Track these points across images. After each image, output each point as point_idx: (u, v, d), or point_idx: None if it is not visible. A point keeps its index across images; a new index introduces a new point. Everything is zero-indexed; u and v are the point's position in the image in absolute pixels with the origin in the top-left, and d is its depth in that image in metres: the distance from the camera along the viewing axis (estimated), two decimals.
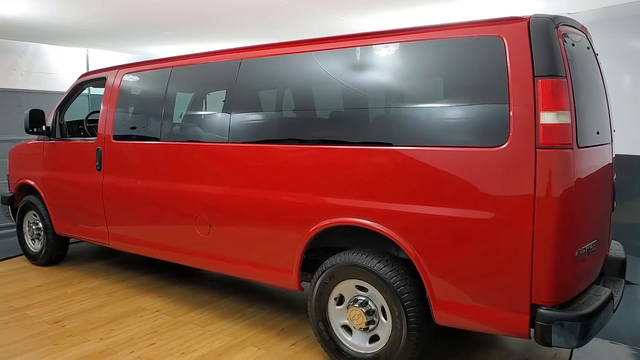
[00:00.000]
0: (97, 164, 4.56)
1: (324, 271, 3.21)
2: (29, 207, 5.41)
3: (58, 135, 5.09)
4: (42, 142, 5.18)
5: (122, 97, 4.50)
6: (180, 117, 4.12)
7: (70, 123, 5.31)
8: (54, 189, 5.05)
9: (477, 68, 2.75)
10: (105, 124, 4.53)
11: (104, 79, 4.72)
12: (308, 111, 3.39)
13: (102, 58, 10.02)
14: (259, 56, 3.58)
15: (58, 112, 5.08)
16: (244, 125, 3.61)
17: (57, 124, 5.07)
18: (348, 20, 6.85)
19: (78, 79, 5.08)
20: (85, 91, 6.25)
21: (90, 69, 9.45)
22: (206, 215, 3.77)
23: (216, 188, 3.70)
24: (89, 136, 5.24)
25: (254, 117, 3.63)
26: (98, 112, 5.35)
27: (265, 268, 3.54)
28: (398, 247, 3.19)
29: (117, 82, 4.54)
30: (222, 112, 3.73)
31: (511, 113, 2.56)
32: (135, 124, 4.39)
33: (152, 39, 8.50)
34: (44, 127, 5.01)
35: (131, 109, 4.48)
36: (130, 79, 4.48)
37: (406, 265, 3.01)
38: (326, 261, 3.23)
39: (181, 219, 3.95)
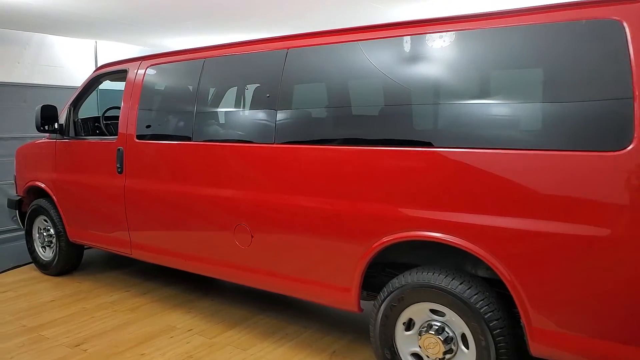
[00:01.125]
0: (117, 165, 4.12)
1: (392, 292, 2.80)
2: (39, 211, 4.96)
3: (72, 133, 4.63)
4: (53, 142, 4.73)
5: (147, 91, 4.05)
6: (217, 114, 3.68)
7: (85, 120, 4.86)
8: (68, 192, 4.61)
9: (587, 58, 2.32)
10: (128, 122, 4.08)
11: (125, 71, 4.27)
12: (371, 107, 2.96)
13: (112, 50, 9.50)
14: (311, 45, 3.15)
15: (72, 109, 4.62)
16: (292, 124, 3.18)
17: (70, 122, 4.61)
18: (384, 8, 6.39)
19: (95, 71, 4.62)
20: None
21: (99, 62, 8.99)
22: (247, 224, 3.35)
23: (260, 194, 3.27)
24: (106, 135, 4.80)
25: (304, 114, 3.20)
26: (116, 108, 4.97)
27: (318, 285, 3.12)
28: (476, 264, 2.79)
29: (140, 75, 4.10)
30: (266, 109, 3.30)
31: (637, 111, 2.15)
32: (163, 122, 3.94)
33: (167, 30, 8.00)
34: (56, 125, 4.56)
35: (157, 105, 4.03)
36: (155, 71, 4.03)
37: (489, 286, 2.61)
38: (393, 281, 2.82)
39: (217, 228, 3.52)
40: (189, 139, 3.65)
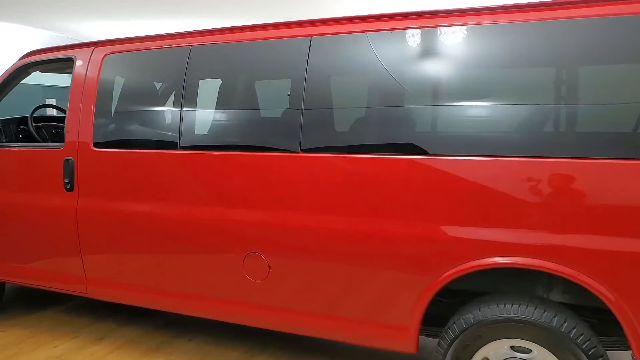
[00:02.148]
0: (66, 181, 3.21)
1: (464, 330, 2.36)
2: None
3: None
4: None
5: (107, 86, 3.18)
6: (214, 115, 2.95)
7: (5, 123, 3.80)
8: None
9: None
10: (80, 126, 3.19)
11: (70, 60, 3.35)
12: (432, 107, 2.47)
13: (8, 35, 7.95)
14: (350, 32, 2.58)
15: None
16: (325, 128, 2.60)
17: None
18: None
19: (20, 59, 3.60)
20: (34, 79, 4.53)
21: None
22: (263, 252, 2.71)
23: (280, 215, 2.65)
24: (39, 141, 3.79)
25: (340, 115, 2.63)
26: (47, 106, 3.98)
27: (361, 324, 2.59)
28: (550, 288, 2.47)
29: (95, 66, 3.21)
30: (287, 110, 2.67)
31: None
32: (132, 125, 3.12)
33: (88, 12, 6.74)
34: None
35: (124, 104, 3.18)
36: (118, 61, 3.18)
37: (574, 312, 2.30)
38: (465, 317, 2.38)
39: (218, 259, 2.83)
40: (174, 146, 2.90)
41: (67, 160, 3.20)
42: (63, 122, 4.20)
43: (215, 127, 2.90)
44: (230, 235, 2.77)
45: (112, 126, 3.15)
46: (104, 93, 3.17)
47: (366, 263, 2.50)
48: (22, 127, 3.86)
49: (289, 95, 2.66)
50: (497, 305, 2.33)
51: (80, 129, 3.19)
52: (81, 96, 3.21)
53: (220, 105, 2.99)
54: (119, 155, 3.07)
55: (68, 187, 3.21)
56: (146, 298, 3.13)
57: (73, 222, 3.22)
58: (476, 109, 2.35)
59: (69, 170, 3.20)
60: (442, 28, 2.42)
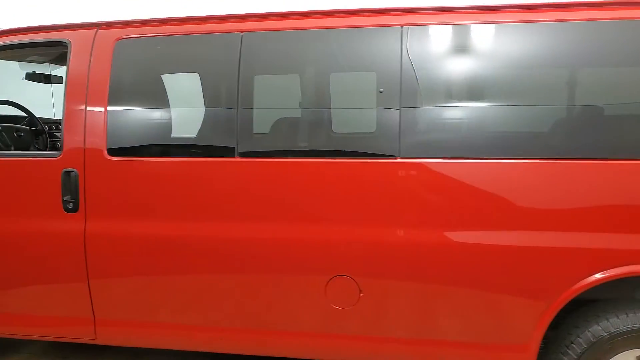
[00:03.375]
0: (67, 199, 2.49)
1: (593, 343, 2.20)
2: None
3: None
4: None
5: (123, 79, 2.52)
6: (283, 115, 2.45)
7: None
8: None
9: None
10: (86, 129, 2.49)
11: (61, 44, 2.61)
12: (562, 108, 2.26)
13: None
14: (457, 23, 2.28)
15: None
16: (428, 130, 2.28)
17: None
18: None
19: None
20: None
21: None
22: (352, 275, 2.31)
23: (375, 232, 2.27)
24: (7, 148, 2.95)
25: (448, 115, 2.32)
26: (9, 103, 3.16)
27: (471, 348, 2.32)
28: None
29: (103, 53, 2.52)
30: (381, 109, 2.30)
31: None
32: (166, 127, 2.50)
33: None
34: None
35: (152, 102, 2.55)
36: (139, 46, 2.52)
37: None
38: (592, 329, 2.22)
39: (290, 284, 2.37)
40: (230, 152, 2.36)
41: (68, 172, 2.49)
42: (22, 123, 3.34)
43: (285, 129, 2.42)
44: (311, 256, 2.33)
45: (136, 129, 2.51)
46: (120, 87, 2.51)
47: (484, 280, 2.23)
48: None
49: (380, 92, 2.29)
50: (627, 315, 2.20)
51: (86, 133, 2.49)
52: (85, 91, 2.51)
53: (294, 104, 2.51)
54: (145, 165, 2.45)
55: (70, 207, 2.50)
56: (180, 338, 2.55)
57: (78, 251, 2.52)
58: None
59: (72, 185, 2.48)
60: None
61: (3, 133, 3.02)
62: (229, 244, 2.39)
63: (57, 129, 3.54)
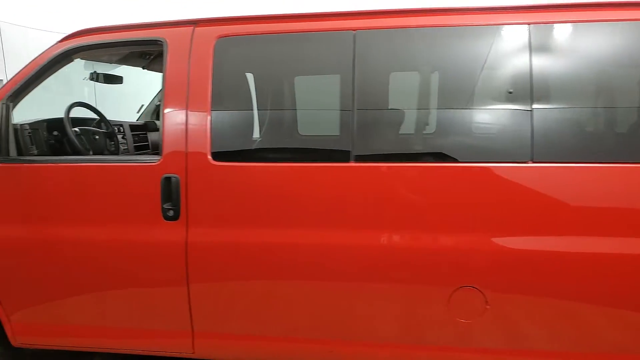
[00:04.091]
0: (166, 206, 2.36)
1: None
2: None
3: (14, 152, 2.54)
4: None
5: (225, 78, 2.40)
6: (405, 116, 2.34)
7: (34, 128, 2.72)
8: (17, 257, 2.52)
9: None
10: (188, 132, 2.36)
11: (155, 43, 2.48)
12: None
13: None
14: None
15: (8, 106, 2.51)
16: (563, 131, 2.19)
17: (9, 130, 2.50)
18: None
19: (62, 41, 2.59)
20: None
21: None
22: (480, 285, 2.21)
23: (509, 240, 2.18)
24: (79, 152, 2.79)
25: (581, 117, 2.23)
26: (84, 105, 3.01)
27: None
28: None
29: (203, 52, 2.39)
30: (509, 109, 2.21)
31: None
32: (274, 130, 2.38)
33: None
34: None
35: (260, 102, 2.43)
36: (241, 45, 2.39)
37: None
38: None
39: (414, 295, 2.27)
40: (345, 156, 2.25)
41: (169, 178, 2.35)
42: (96, 126, 3.19)
43: (408, 131, 2.31)
44: (437, 266, 2.23)
45: (242, 132, 2.39)
46: (223, 88, 2.38)
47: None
48: (54, 132, 2.81)
49: (510, 93, 2.20)
50: None
51: (188, 137, 2.36)
52: (186, 92, 2.38)
53: (410, 104, 2.41)
54: (255, 170, 2.32)
55: (170, 214, 2.36)
56: (291, 351, 2.43)
57: (178, 260, 2.38)
58: None
59: (172, 191, 2.35)
60: None
61: (82, 137, 2.86)
62: (342, 251, 2.28)
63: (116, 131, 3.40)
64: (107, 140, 3.08)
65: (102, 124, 3.22)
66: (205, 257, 2.37)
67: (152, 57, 3.44)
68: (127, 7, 7.41)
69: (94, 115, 3.29)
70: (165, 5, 6.55)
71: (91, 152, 2.87)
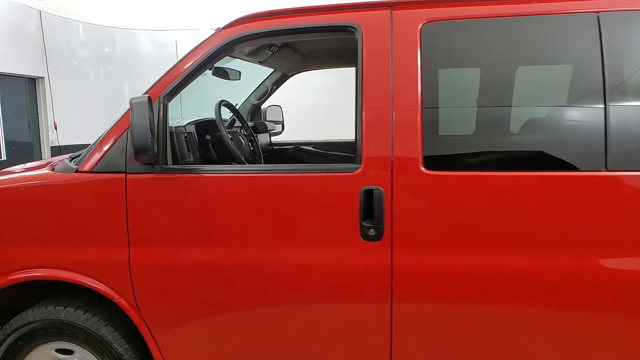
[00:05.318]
0: (366, 224, 1.96)
1: None
2: (46, 335, 2.24)
3: (171, 160, 2.17)
4: (113, 178, 2.13)
5: (437, 71, 2.01)
6: None
7: (189, 131, 2.35)
8: (178, 291, 2.13)
9: None
10: (394, 135, 1.96)
11: (346, 30, 2.09)
12: None
13: None
14: None
15: (165, 104, 2.14)
16: None
17: (167, 135, 2.13)
18: None
19: (225, 28, 2.20)
20: None
21: None
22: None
23: None
24: (234, 159, 2.42)
25: None
26: (229, 105, 2.66)
27: None
28: None
29: (407, 39, 1.99)
30: None
31: None
32: (504, 133, 1.98)
33: None
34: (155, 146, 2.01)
35: (485, 99, 2.03)
36: (458, 30, 2.00)
37: None
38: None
39: None
40: (596, 163, 1.85)
41: (370, 191, 1.96)
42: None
43: None
44: None
45: (461, 133, 2.00)
46: (433, 81, 2.00)
47: None
48: (207, 136, 2.43)
49: None
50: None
51: (394, 141, 1.97)
52: (390, 87, 1.99)
53: None
54: (480, 181, 1.92)
55: (371, 233, 1.97)
56: None
57: (380, 289, 1.99)
58: None
59: (375, 206, 1.96)
60: None
61: (234, 142, 2.47)
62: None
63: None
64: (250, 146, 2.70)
65: (242, 128, 2.84)
66: (415, 287, 1.98)
67: (277, 49, 3.07)
68: None
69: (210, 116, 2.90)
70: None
71: (245, 160, 2.48)
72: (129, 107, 2.15)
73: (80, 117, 8.66)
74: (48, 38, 8.07)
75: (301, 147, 3.97)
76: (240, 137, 2.58)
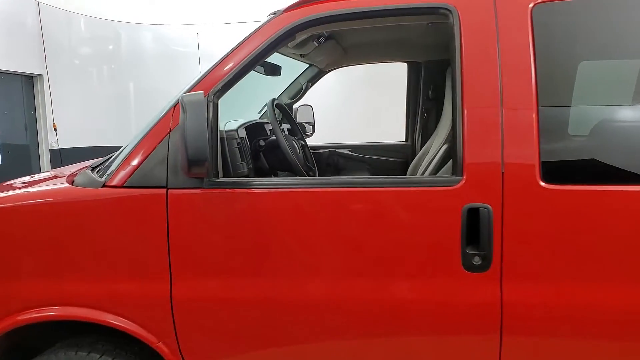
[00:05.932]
0: (470, 251, 1.59)
1: None
2: None
3: (222, 171, 1.79)
4: (151, 194, 1.74)
5: (555, 61, 1.64)
6: None
7: (241, 137, 1.96)
8: (237, 331, 1.75)
9: None
10: (504, 141, 1.59)
11: (440, 12, 1.71)
12: None
13: None
14: None
15: (215, 103, 1.76)
16: None
17: (217, 139, 1.74)
18: None
19: (285, 12, 1.82)
20: None
21: None
22: None
23: None
24: (302, 172, 2.05)
25: None
26: (281, 107, 2.30)
27: None
28: None
29: (518, 23, 1.62)
30: None
31: None
32: None
33: None
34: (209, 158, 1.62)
35: (612, 97, 1.67)
36: (581, 11, 1.64)
37: None
38: None
39: None
40: None
41: (475, 209, 1.59)
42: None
43: None
44: None
45: (589, 139, 1.63)
46: (556, 75, 1.63)
47: None
48: (261, 142, 2.05)
49: None
50: None
51: (504, 148, 1.59)
52: (497, 82, 1.62)
53: None
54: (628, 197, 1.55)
55: (477, 262, 1.60)
56: None
57: (489, 333, 1.62)
58: None
59: (482, 229, 1.58)
60: None
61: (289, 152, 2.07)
62: None
63: None
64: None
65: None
66: (533, 331, 1.60)
67: (324, 40, 2.69)
68: None
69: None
70: None
71: (304, 169, 2.10)
72: (169, 106, 1.77)
73: (82, 118, 8.22)
74: (47, 32, 7.62)
75: (337, 150, 3.61)
76: (294, 143, 2.20)
